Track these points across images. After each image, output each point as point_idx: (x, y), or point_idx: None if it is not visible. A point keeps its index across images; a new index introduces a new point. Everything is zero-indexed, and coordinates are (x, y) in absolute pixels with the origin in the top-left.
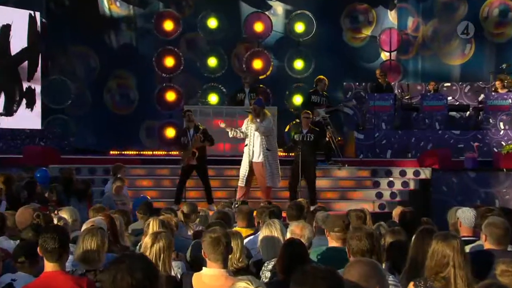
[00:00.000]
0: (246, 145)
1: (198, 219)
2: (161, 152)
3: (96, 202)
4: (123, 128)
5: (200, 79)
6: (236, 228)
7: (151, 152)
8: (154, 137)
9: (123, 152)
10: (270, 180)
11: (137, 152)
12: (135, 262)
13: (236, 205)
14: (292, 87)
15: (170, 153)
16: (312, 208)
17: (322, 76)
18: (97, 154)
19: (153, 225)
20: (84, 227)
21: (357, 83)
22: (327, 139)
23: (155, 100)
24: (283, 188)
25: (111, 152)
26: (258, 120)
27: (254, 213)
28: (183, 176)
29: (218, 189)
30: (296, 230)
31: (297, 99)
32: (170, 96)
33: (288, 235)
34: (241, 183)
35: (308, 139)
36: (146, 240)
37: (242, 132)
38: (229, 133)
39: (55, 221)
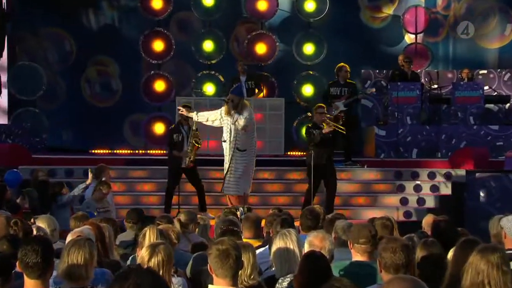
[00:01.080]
0: (225, 141)
1: (197, 230)
2: (149, 151)
3: (76, 210)
4: (104, 123)
5: (194, 66)
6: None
7: (137, 151)
8: (140, 133)
9: (104, 151)
10: (234, 186)
11: (121, 151)
12: (143, 278)
13: (242, 213)
14: (300, 76)
15: (158, 152)
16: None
17: (342, 64)
18: (74, 154)
19: (150, 235)
20: (69, 237)
21: (377, 71)
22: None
23: (142, 91)
24: (284, 192)
25: (90, 151)
26: (235, 112)
27: (263, 222)
28: (172, 181)
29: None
30: (316, 241)
31: (307, 90)
32: (159, 86)
33: (307, 247)
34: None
35: (329, 138)
36: (143, 253)
37: (212, 120)
38: (193, 116)
39: (34, 231)
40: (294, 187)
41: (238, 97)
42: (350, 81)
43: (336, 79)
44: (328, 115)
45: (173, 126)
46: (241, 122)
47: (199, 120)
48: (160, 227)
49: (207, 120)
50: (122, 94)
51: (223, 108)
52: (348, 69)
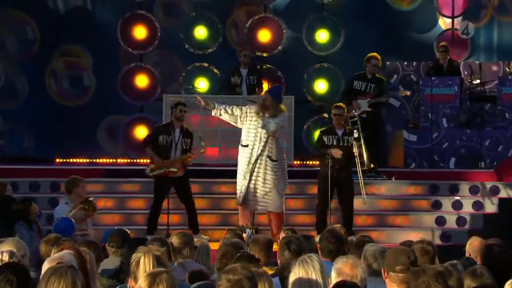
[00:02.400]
0: (246, 145)
1: (192, 255)
2: (128, 160)
3: (44, 231)
4: (74, 126)
5: (183, 57)
6: None
7: (114, 160)
8: (119, 139)
9: (74, 160)
10: (277, 202)
11: (94, 160)
12: None
13: (249, 235)
14: (313, 69)
15: (138, 161)
16: (351, 238)
17: (373, 54)
18: (39, 164)
19: (145, 263)
20: (46, 265)
21: (406, 63)
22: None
23: (120, 87)
24: (304, 210)
25: (58, 160)
26: (266, 115)
27: (275, 246)
28: (158, 196)
29: (204, 212)
30: (346, 268)
31: (320, 86)
32: (141, 81)
33: (334, 277)
34: (238, 202)
35: (344, 144)
36: (141, 284)
37: (233, 115)
38: (212, 111)
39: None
40: (310, 203)
41: (272, 98)
42: (379, 76)
43: (364, 71)
44: (350, 115)
45: (160, 125)
46: (272, 126)
47: (217, 114)
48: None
49: (229, 113)
50: (96, 91)
51: (251, 107)
52: (379, 62)
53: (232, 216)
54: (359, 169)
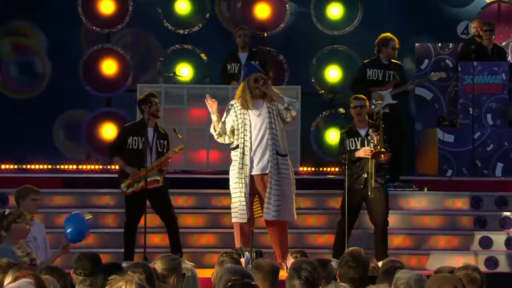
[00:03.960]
0: (236, 147)
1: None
2: (94, 167)
3: None
4: (24, 124)
5: (162, 38)
6: None
7: (75, 166)
8: (80, 139)
9: (24, 166)
10: (284, 209)
11: (49, 167)
12: None
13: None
14: (323, 52)
15: (110, 167)
16: (381, 263)
17: (387, 34)
18: None
19: None
20: None
21: (439, 45)
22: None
23: (82, 75)
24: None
25: (3, 167)
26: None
27: (281, 273)
28: (133, 212)
29: (199, 231)
30: None
31: (332, 73)
32: (109, 67)
33: None
34: (237, 218)
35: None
36: None
37: (226, 134)
38: (212, 127)
39: None
40: (321, 220)
41: (262, 74)
42: (395, 61)
43: (376, 56)
44: (370, 111)
45: (128, 125)
46: (297, 105)
47: (214, 132)
48: (137, 280)
49: (221, 135)
50: (51, 80)
51: (236, 96)
52: (397, 44)
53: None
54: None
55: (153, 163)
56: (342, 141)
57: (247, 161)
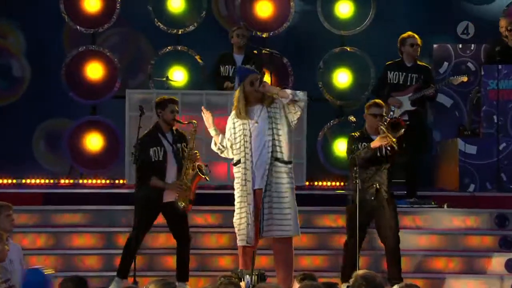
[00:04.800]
0: (238, 162)
1: None
2: (82, 181)
3: None
4: (0, 133)
5: (153, 39)
6: None
7: (55, 181)
8: (62, 151)
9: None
10: (293, 225)
11: (27, 181)
12: None
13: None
14: (331, 54)
15: (99, 182)
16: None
17: (408, 34)
18: None
19: None
20: None
21: (460, 46)
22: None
23: (64, 80)
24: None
25: None
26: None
27: None
28: (140, 227)
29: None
30: None
31: (341, 78)
32: (94, 70)
33: None
34: (242, 241)
35: (383, 155)
36: None
37: (227, 149)
38: (213, 142)
39: None
40: (328, 240)
41: (257, 75)
42: (422, 63)
43: (400, 58)
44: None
45: (144, 136)
46: (303, 96)
47: (215, 147)
48: None
49: (221, 148)
50: (30, 85)
51: (235, 103)
52: (419, 41)
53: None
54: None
55: (184, 166)
56: (352, 141)
57: (249, 177)
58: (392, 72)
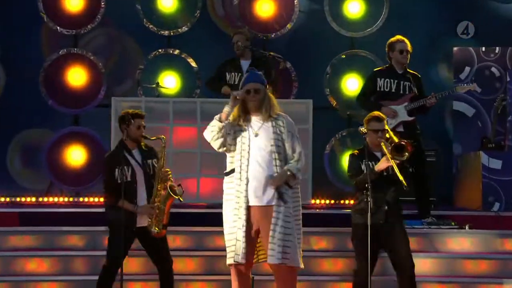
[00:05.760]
0: (231, 171)
1: None
2: (60, 199)
3: None
4: None
5: (141, 41)
6: None
7: (34, 199)
8: (40, 166)
9: None
10: (294, 252)
11: (3, 200)
12: None
13: None
14: (339, 59)
15: (81, 200)
16: None
17: (397, 38)
18: None
19: None
20: None
21: (483, 49)
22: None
23: (43, 87)
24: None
25: None
26: (266, 115)
27: None
28: (118, 252)
29: (190, 278)
30: None
31: (351, 84)
32: (76, 76)
33: None
34: (232, 259)
35: (389, 173)
36: None
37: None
38: (216, 118)
39: None
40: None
41: (262, 85)
42: (412, 71)
43: (389, 63)
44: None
45: (111, 153)
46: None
47: (216, 124)
48: None
49: (217, 134)
50: (5, 92)
51: (235, 109)
52: (409, 47)
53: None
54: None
55: (154, 186)
56: (354, 162)
57: (243, 189)
58: (383, 79)
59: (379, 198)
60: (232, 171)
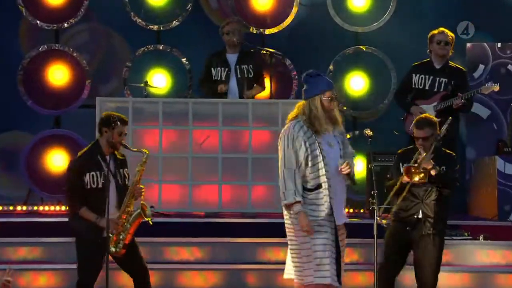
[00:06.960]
0: (318, 187)
1: None
2: (41, 208)
3: None
4: None
5: (129, 37)
6: None
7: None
8: (18, 171)
9: None
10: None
11: None
12: None
13: None
14: (343, 55)
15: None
16: None
17: (439, 30)
18: None
19: None
20: None
21: (499, 45)
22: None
23: (22, 86)
24: None
25: None
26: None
27: None
28: (91, 267)
29: None
30: None
31: (356, 83)
32: (58, 74)
33: None
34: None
35: (430, 181)
36: None
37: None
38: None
39: None
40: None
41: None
42: (455, 65)
43: (429, 58)
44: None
45: (82, 155)
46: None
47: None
48: None
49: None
50: None
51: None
52: (450, 39)
53: None
54: None
55: (124, 201)
56: (395, 162)
57: (332, 206)
58: (418, 75)
59: (412, 208)
60: (319, 186)
